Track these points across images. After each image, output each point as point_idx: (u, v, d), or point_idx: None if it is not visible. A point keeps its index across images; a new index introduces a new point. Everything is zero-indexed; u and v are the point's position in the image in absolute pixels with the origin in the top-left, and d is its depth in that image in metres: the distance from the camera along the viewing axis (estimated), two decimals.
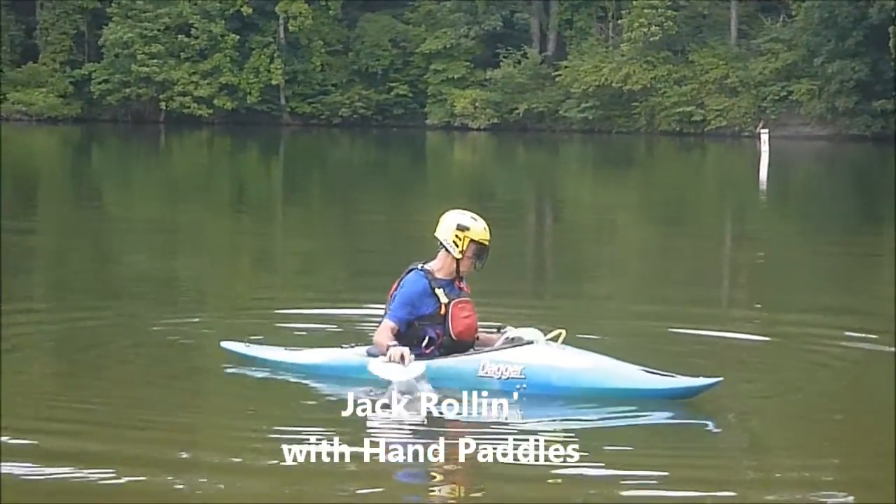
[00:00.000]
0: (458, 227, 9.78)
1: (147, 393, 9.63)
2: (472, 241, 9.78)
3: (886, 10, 61.14)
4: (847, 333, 12.52)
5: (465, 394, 9.03)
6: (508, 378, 9.46)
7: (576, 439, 8.32)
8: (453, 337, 9.72)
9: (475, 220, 9.87)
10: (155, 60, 72.00)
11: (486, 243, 9.84)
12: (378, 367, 9.47)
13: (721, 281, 17.87)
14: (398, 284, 9.84)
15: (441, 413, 8.97)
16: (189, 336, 11.91)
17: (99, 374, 10.35)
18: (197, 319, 12.85)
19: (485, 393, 9.05)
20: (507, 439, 8.10)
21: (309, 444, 8.10)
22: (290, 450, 8.02)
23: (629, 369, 9.49)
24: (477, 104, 73.19)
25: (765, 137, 51.71)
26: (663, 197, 35.10)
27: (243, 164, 46.83)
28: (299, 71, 74.91)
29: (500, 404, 9.02)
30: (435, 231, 9.85)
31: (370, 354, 9.80)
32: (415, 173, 43.46)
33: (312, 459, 7.95)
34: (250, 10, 73.29)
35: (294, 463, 7.90)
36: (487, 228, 9.88)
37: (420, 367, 9.41)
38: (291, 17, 73.43)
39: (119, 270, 17.37)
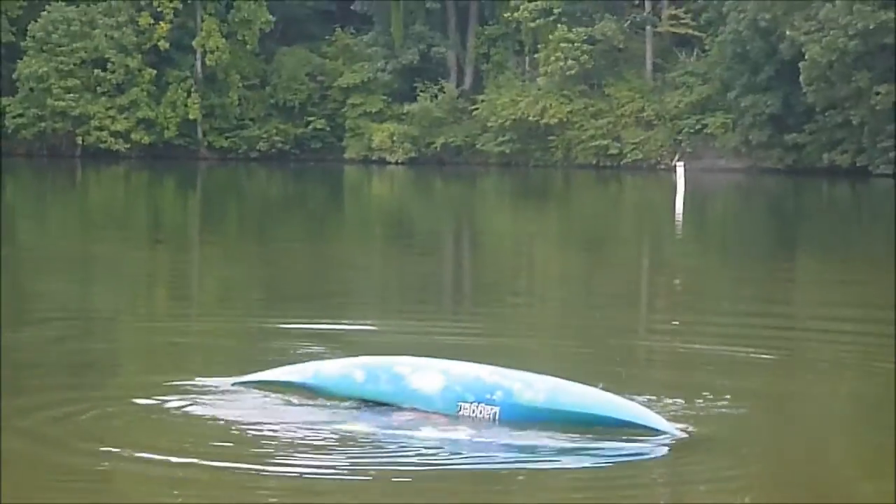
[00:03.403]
0: None
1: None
2: None
3: (796, 45, 62.10)
4: (763, 357, 12.60)
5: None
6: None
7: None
8: None
9: None
10: (71, 94, 71.40)
11: None
12: None
13: (639, 304, 18.02)
14: None
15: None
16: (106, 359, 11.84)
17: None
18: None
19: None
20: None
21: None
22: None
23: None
24: (394, 138, 73.33)
25: (680, 170, 52.18)
26: (580, 227, 35.32)
27: (160, 198, 46.57)
28: (216, 105, 74.68)
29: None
30: None
31: None
32: (333, 206, 43.44)
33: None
34: (167, 45, 73.00)
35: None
36: None
37: None
38: (209, 51, 73.24)
39: (32, 300, 17.20)
